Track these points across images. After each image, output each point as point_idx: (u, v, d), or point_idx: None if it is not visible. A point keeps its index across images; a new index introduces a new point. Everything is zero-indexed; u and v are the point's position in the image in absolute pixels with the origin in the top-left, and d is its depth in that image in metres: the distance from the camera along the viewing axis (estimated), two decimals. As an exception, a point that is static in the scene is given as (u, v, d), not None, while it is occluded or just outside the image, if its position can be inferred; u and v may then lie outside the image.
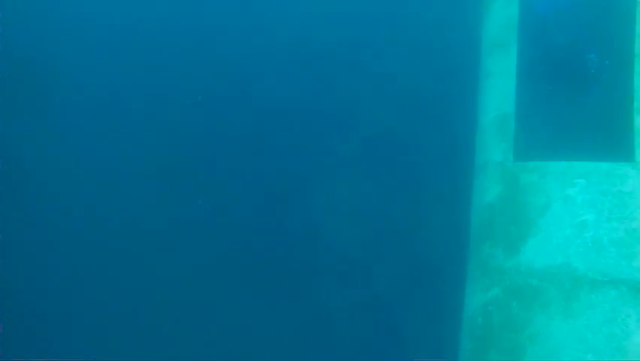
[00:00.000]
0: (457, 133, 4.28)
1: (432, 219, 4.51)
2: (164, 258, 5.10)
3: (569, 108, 3.66)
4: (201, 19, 5.93)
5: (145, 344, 4.57)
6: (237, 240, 5.32)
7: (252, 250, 5.31)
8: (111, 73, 5.66)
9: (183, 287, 5.05)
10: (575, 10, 3.80)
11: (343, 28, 5.75)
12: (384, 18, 5.62)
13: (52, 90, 5.48)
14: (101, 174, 5.34)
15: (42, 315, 4.82)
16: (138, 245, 5.07)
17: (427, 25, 5.16)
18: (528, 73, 3.75)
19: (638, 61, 3.27)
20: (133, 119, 5.57)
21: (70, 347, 4.42)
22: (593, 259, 3.14)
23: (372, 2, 5.63)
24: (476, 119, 4.01)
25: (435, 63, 5.08)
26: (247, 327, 4.84)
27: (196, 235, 5.31)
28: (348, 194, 5.30)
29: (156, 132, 5.52)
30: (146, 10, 5.86)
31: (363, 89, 5.62)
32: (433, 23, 5.12)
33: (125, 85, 5.64)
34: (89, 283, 4.88)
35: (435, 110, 5.01)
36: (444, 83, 4.95)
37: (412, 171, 4.96)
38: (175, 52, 5.75)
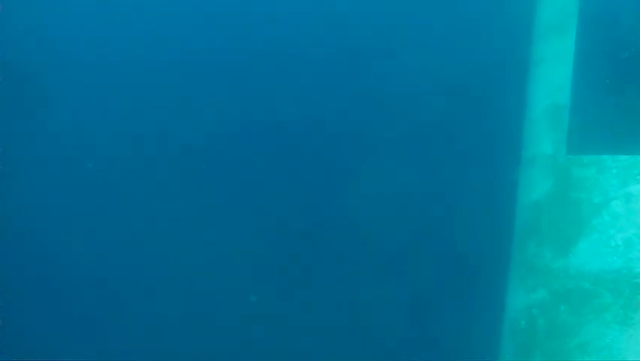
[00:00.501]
0: (504, 124, 4.00)
1: (475, 214, 4.27)
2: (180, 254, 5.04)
3: (633, 99, 3.31)
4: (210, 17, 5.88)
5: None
6: (276, 234, 5.28)
7: (291, 245, 5.26)
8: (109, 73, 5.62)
9: (223, 281, 5.06)
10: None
11: (384, 16, 5.56)
12: (426, 3, 5.37)
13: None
14: (105, 173, 5.34)
15: (42, 314, 4.82)
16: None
17: (473, 7, 4.87)
18: (587, 59, 3.42)
19: None
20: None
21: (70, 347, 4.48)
22: (657, 265, 2.83)
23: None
24: (525, 109, 3.72)
25: (482, 48, 4.79)
26: (286, 323, 4.81)
27: (233, 229, 5.30)
28: (390, 187, 5.14)
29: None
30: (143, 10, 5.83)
31: (407, 78, 5.42)
32: (480, 5, 4.82)
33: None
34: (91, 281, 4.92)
35: (482, 100, 4.74)
36: (491, 69, 4.66)
37: (456, 164, 4.72)
38: (178, 50, 5.66)
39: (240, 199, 5.48)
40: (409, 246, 4.86)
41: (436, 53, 5.07)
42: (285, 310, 4.85)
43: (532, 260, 3.24)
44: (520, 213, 3.51)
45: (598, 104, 3.39)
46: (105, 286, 4.97)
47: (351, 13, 5.63)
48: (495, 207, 3.84)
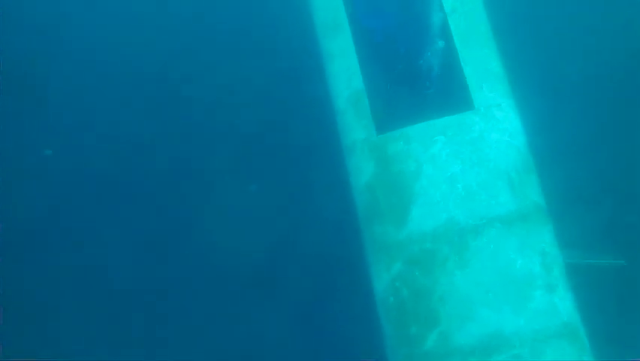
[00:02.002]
0: (318, 118, 4.18)
1: (320, 211, 4.41)
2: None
3: (410, 76, 3.80)
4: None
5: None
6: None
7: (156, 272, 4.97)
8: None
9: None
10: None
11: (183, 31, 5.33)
12: (215, 24, 5.30)
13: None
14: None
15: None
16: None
17: (259, 16, 4.96)
18: (366, 50, 3.78)
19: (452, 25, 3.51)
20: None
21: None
22: (470, 207, 3.33)
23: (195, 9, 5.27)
24: (330, 101, 3.94)
25: (278, 54, 4.91)
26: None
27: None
28: (227, 205, 5.00)
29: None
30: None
31: (215, 97, 5.28)
32: (264, 14, 4.93)
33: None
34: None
35: (291, 101, 4.87)
36: (291, 72, 4.82)
37: (284, 166, 4.78)
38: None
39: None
40: (268, 254, 4.82)
41: (240, 67, 5.06)
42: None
43: (381, 239, 3.49)
44: (358, 199, 3.74)
45: (386, 85, 3.79)
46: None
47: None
48: (335, 199, 4.02)
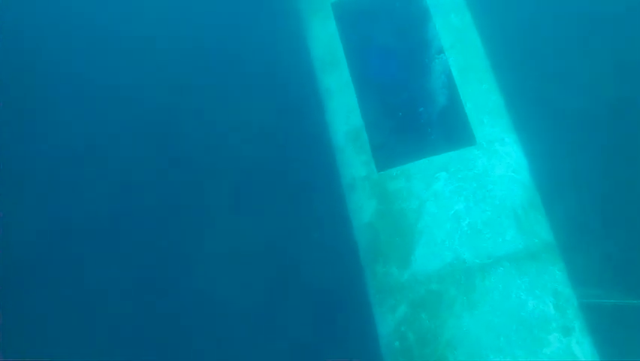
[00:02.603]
0: (318, 155, 4.12)
1: (320, 250, 4.28)
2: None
3: (409, 110, 3.76)
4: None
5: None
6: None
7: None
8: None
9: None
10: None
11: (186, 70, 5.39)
12: (214, 59, 5.35)
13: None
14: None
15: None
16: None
17: (259, 52, 5.00)
18: (364, 85, 3.76)
19: (451, 59, 3.49)
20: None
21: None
22: (476, 246, 3.21)
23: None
24: (329, 138, 3.89)
25: (275, 91, 4.91)
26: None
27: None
28: (230, 243, 4.89)
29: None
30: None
31: (214, 133, 5.27)
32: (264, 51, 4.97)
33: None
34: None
35: (290, 136, 4.82)
36: (290, 107, 4.80)
37: (287, 205, 4.68)
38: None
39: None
40: (266, 295, 4.66)
41: (239, 103, 5.06)
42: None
43: (384, 280, 3.36)
44: (360, 238, 3.62)
45: (385, 121, 3.74)
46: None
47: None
48: (335, 238, 3.90)
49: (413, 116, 3.69)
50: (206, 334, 4.77)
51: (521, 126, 3.55)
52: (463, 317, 3.07)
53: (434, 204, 3.34)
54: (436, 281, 3.21)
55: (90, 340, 4.84)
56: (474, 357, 2.98)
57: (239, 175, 5.16)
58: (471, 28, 3.70)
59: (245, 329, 4.66)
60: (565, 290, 3.19)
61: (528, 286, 3.12)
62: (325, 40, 3.94)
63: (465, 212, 3.29)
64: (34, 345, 4.73)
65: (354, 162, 3.67)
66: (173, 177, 5.45)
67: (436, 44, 3.63)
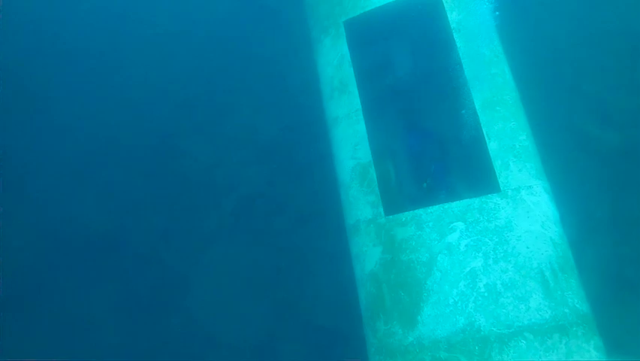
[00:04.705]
0: (320, 190, 3.72)
1: (324, 305, 3.87)
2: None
3: (424, 148, 3.33)
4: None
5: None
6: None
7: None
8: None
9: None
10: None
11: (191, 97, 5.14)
12: (216, 75, 5.07)
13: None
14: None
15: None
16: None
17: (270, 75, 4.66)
18: (375, 115, 3.35)
19: (474, 92, 3.05)
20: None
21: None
22: (493, 311, 2.76)
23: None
24: (335, 172, 3.49)
25: (281, 112, 4.56)
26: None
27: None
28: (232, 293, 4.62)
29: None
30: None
31: (217, 152, 4.99)
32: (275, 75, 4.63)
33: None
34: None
35: (294, 161, 4.47)
36: (295, 131, 4.44)
37: (283, 238, 4.32)
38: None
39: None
40: (261, 332, 4.30)
41: (244, 123, 4.77)
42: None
43: (386, 341, 2.94)
44: (361, 289, 3.21)
45: (398, 158, 3.32)
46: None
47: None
48: (334, 287, 3.50)
49: (429, 155, 3.26)
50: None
51: (553, 172, 3.08)
52: (475, 395, 2.63)
53: (447, 258, 2.91)
54: (445, 349, 2.77)
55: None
56: None
57: (239, 199, 4.85)
58: (500, 57, 3.26)
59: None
60: (600, 373, 2.71)
61: (555, 366, 2.65)
62: (335, 62, 3.55)
63: (483, 271, 2.84)
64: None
65: (360, 201, 3.26)
66: (171, 196, 5.18)
67: (458, 73, 3.20)
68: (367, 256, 3.17)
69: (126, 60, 5.42)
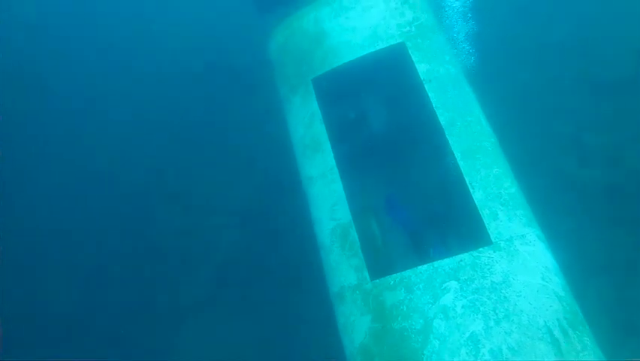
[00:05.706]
0: (300, 256, 3.45)
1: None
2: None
3: (406, 204, 3.14)
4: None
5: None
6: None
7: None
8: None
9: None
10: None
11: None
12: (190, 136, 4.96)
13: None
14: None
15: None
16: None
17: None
18: (351, 172, 3.18)
19: (452, 141, 2.93)
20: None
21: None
22: (502, 382, 2.43)
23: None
24: (313, 234, 3.24)
25: (254, 177, 4.40)
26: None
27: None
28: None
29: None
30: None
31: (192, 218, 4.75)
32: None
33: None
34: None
35: (271, 225, 4.23)
36: (270, 192, 4.25)
37: (264, 307, 3.97)
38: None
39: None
40: None
41: (219, 191, 4.59)
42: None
43: None
44: (353, 364, 2.86)
45: (379, 216, 3.11)
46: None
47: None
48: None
49: (412, 211, 3.05)
50: None
51: (544, 217, 2.89)
52: None
53: (444, 323, 2.61)
54: None
55: None
56: None
57: (216, 267, 4.55)
58: (473, 104, 3.17)
59: None
60: None
61: None
62: (306, 120, 3.43)
63: (484, 334, 2.54)
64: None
65: (343, 266, 2.99)
66: (144, 268, 4.86)
67: (434, 123, 3.08)
68: (356, 326, 2.85)
69: (100, 130, 5.32)
